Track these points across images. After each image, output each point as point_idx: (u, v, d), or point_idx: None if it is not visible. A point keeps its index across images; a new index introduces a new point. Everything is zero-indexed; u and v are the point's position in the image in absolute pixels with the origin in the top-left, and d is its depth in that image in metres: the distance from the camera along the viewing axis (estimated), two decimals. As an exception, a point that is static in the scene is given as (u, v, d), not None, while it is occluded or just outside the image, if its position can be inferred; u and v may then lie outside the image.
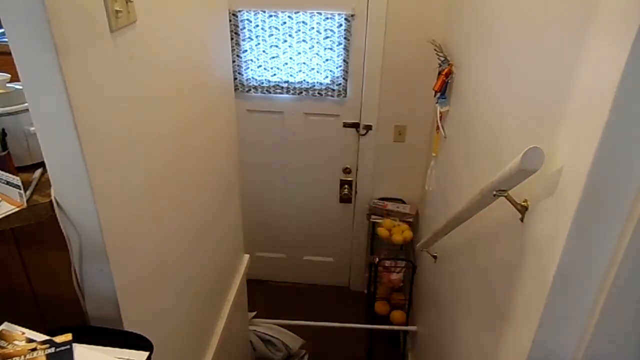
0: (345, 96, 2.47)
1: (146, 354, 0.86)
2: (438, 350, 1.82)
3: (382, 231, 2.53)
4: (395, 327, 2.58)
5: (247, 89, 2.49)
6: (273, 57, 2.40)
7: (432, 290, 2.08)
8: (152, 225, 1.09)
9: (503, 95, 1.22)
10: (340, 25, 2.28)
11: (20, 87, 0.77)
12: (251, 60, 2.43)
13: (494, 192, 0.94)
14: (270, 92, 2.49)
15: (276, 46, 2.38)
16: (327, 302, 3.00)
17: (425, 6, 2.23)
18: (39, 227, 0.87)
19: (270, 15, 2.30)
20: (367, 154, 2.63)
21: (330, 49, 2.35)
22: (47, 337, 0.83)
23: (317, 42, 2.34)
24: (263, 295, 2.89)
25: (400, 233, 2.51)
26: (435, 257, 1.97)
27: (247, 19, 2.32)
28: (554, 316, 0.79)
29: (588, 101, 0.72)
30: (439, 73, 1.96)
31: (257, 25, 2.33)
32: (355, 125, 2.56)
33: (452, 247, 1.67)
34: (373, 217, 2.65)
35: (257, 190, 2.81)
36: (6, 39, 0.71)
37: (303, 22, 2.29)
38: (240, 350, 2.23)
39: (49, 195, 0.86)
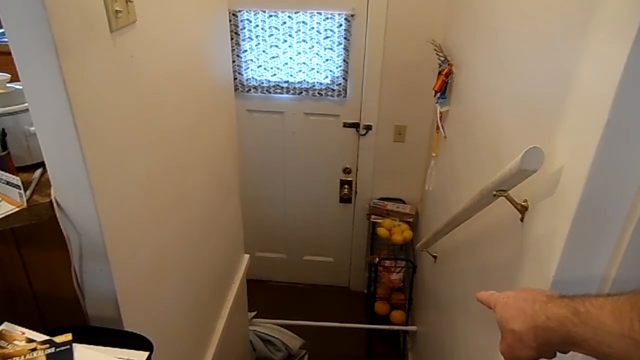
0: (345, 96, 2.47)
1: (146, 354, 0.86)
2: (438, 350, 1.82)
3: (382, 231, 2.53)
4: (395, 327, 2.58)
5: (247, 89, 2.49)
6: (273, 57, 2.41)
7: (432, 290, 2.08)
8: (152, 225, 1.09)
9: (503, 95, 1.22)
10: (340, 25, 2.28)
11: (20, 87, 0.77)
12: (251, 60, 2.43)
13: (494, 192, 0.94)
14: (270, 92, 2.50)
15: (276, 46, 2.38)
16: (327, 302, 3.00)
17: (425, 6, 2.23)
18: (39, 227, 0.87)
19: (270, 15, 2.30)
20: (367, 154, 2.63)
21: (330, 49, 2.35)
22: (47, 337, 0.83)
23: (317, 42, 2.34)
24: (263, 295, 2.89)
25: (400, 233, 2.51)
26: (435, 257, 1.97)
27: (247, 19, 2.32)
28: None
29: (588, 101, 0.72)
30: (439, 73, 1.96)
31: (257, 25, 2.33)
32: (355, 125, 2.56)
33: (452, 247, 1.67)
34: (373, 217, 2.65)
35: (257, 190, 2.81)
36: (6, 39, 0.71)
37: (303, 22, 2.29)
38: (240, 350, 2.23)
39: (49, 195, 0.86)
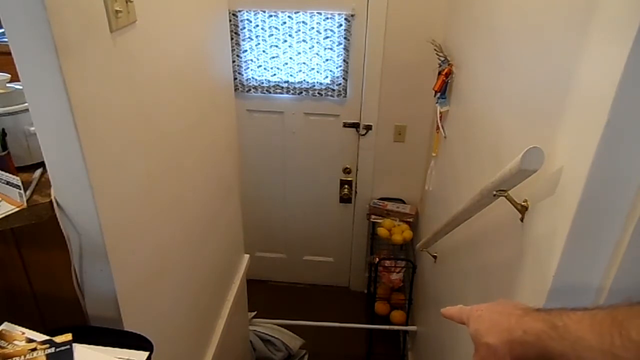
0: (345, 96, 2.47)
1: (146, 354, 0.86)
2: (438, 350, 1.82)
3: (382, 231, 2.53)
4: (395, 327, 2.58)
5: (247, 89, 2.49)
6: (273, 57, 2.41)
7: (432, 290, 2.08)
8: (152, 225, 1.09)
9: (503, 95, 1.22)
10: (340, 25, 2.28)
11: (20, 87, 0.77)
12: (251, 60, 2.43)
13: (494, 192, 0.94)
14: (270, 92, 2.50)
15: (276, 46, 2.38)
16: (327, 302, 3.00)
17: (425, 6, 2.23)
18: (39, 227, 0.87)
19: (270, 15, 2.30)
20: (367, 154, 2.63)
21: (330, 49, 2.35)
22: (47, 337, 0.83)
23: (317, 42, 2.34)
24: (263, 295, 2.89)
25: (400, 233, 2.51)
26: (435, 257, 1.97)
27: (247, 19, 2.32)
28: (554, 316, 0.79)
29: (588, 101, 0.72)
30: (439, 73, 1.96)
31: (257, 25, 2.33)
32: (355, 125, 2.56)
33: (452, 247, 1.67)
34: (373, 217, 2.65)
35: (257, 190, 2.81)
36: (6, 39, 0.71)
37: (303, 22, 2.29)
38: (240, 350, 2.23)
39: (49, 195, 0.86)
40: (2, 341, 0.82)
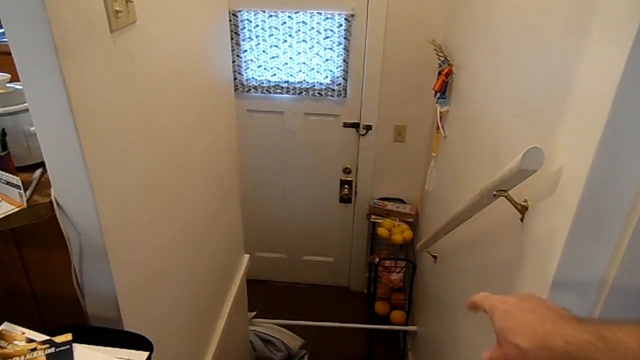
0: (345, 96, 2.47)
1: (146, 354, 0.86)
2: (438, 350, 1.82)
3: (382, 231, 2.54)
4: (395, 327, 2.58)
5: (247, 89, 2.49)
6: (273, 57, 2.41)
7: (432, 290, 2.08)
8: (152, 225, 1.09)
9: (503, 95, 1.22)
10: (340, 25, 2.28)
11: (20, 87, 0.77)
12: (251, 60, 2.43)
13: (494, 192, 0.94)
14: (270, 92, 2.50)
15: (276, 46, 2.38)
16: (327, 302, 3.00)
17: (425, 6, 2.23)
18: (39, 227, 0.87)
19: (270, 15, 2.30)
20: (367, 154, 2.63)
21: (330, 49, 2.35)
22: (47, 337, 0.83)
23: (317, 42, 2.34)
24: (263, 295, 2.89)
25: (400, 233, 2.51)
26: (435, 257, 1.97)
27: (247, 19, 2.32)
28: (554, 316, 0.79)
29: (588, 101, 0.72)
30: (439, 73, 1.96)
31: (257, 25, 2.33)
32: (355, 125, 2.56)
33: (452, 247, 1.67)
34: (373, 217, 2.65)
35: (257, 190, 2.81)
36: (6, 39, 0.71)
37: (303, 22, 2.29)
38: (240, 350, 2.23)
39: (49, 195, 0.86)
40: (2, 341, 0.82)
